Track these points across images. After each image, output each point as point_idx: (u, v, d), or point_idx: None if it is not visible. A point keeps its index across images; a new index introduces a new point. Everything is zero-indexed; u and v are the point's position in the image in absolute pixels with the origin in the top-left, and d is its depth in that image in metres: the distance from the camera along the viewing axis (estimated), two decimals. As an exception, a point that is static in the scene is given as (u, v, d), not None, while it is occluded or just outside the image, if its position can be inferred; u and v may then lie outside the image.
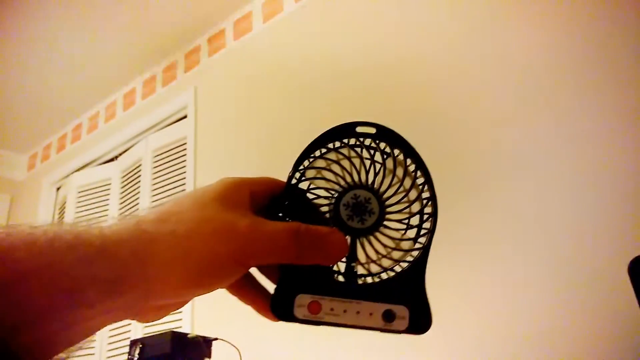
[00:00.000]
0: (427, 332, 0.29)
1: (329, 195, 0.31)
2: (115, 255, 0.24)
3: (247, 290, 0.31)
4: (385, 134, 0.31)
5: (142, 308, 0.26)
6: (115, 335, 2.11)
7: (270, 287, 0.30)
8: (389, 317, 0.29)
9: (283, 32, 2.04)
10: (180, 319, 1.87)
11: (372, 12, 1.79)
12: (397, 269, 0.30)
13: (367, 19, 1.80)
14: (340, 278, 0.30)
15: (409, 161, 0.31)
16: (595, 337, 1.09)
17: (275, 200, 0.31)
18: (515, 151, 1.34)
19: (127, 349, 1.36)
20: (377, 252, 0.30)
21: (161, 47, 2.40)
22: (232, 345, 1.35)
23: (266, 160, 1.86)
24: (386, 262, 0.30)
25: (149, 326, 1.98)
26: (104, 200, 2.48)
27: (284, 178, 0.32)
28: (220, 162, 2.06)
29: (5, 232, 0.22)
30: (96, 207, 2.48)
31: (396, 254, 0.30)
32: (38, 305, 0.21)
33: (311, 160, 0.31)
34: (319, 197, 0.31)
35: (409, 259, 0.30)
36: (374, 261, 0.30)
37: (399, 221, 0.30)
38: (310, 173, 0.31)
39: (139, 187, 2.31)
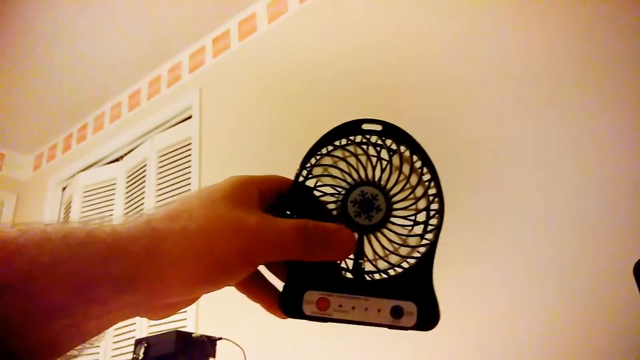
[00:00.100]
0: (431, 330, 0.30)
1: (336, 192, 0.31)
2: (127, 252, 0.24)
3: (255, 287, 0.31)
4: (391, 131, 0.31)
5: (152, 305, 0.26)
6: (120, 335, 2.12)
7: (278, 284, 0.31)
8: (397, 313, 0.29)
9: (288, 32, 2.05)
10: (185, 319, 1.87)
11: (375, 13, 1.79)
12: (405, 265, 0.30)
13: (370, 19, 1.80)
14: (348, 275, 0.30)
15: (415, 158, 0.31)
16: (597, 338, 1.09)
17: (282, 197, 0.31)
18: (516, 151, 1.33)
19: (132, 348, 1.36)
20: (384, 248, 0.30)
21: (166, 47, 2.40)
22: (236, 344, 1.35)
23: (271, 160, 1.86)
24: (393, 259, 0.30)
25: (153, 325, 1.99)
26: (109, 200, 2.49)
27: (289, 176, 0.32)
28: (225, 162, 2.06)
29: (19, 230, 0.22)
30: (101, 207, 2.49)
31: (403, 250, 0.30)
32: (51, 302, 0.22)
33: (318, 157, 0.31)
34: (326, 194, 0.31)
35: (416, 255, 0.30)
36: (381, 257, 0.30)
37: (406, 217, 0.30)
38: (317, 170, 0.31)
39: (144, 187, 2.31)
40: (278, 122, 1.94)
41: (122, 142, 2.58)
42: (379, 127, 0.31)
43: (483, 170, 1.38)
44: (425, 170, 0.31)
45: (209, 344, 1.31)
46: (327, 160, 0.31)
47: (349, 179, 0.31)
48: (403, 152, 0.31)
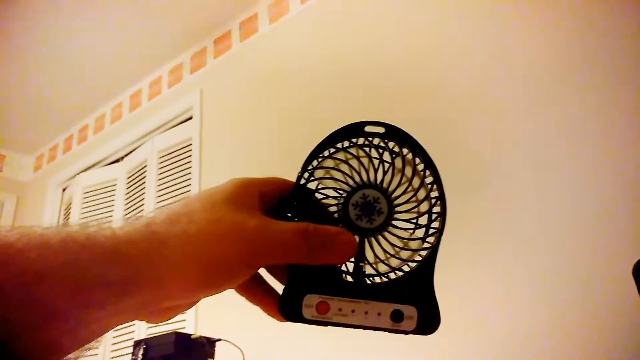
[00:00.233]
0: (431, 334, 0.29)
1: (338, 195, 0.31)
2: (126, 256, 0.24)
3: (255, 290, 0.31)
4: (394, 133, 0.31)
5: (152, 309, 0.26)
6: (119, 336, 2.12)
7: (278, 287, 0.30)
8: (397, 317, 0.28)
9: (289, 33, 2.05)
10: (184, 320, 1.87)
11: (377, 13, 1.79)
12: (406, 268, 0.30)
13: (372, 19, 1.80)
14: (349, 278, 0.30)
15: (417, 160, 0.31)
16: (596, 338, 1.09)
17: (284, 200, 0.31)
18: (516, 151, 1.33)
19: (131, 350, 1.36)
20: (385, 251, 0.30)
21: (167, 48, 2.41)
22: (235, 346, 1.35)
23: (272, 161, 1.86)
24: (394, 262, 0.30)
25: (152, 327, 1.99)
26: (110, 201, 2.49)
27: (290, 179, 0.32)
28: (225, 164, 2.06)
29: (18, 233, 0.22)
30: (102, 208, 2.49)
31: (405, 254, 0.30)
32: (51, 305, 0.21)
33: (320, 160, 0.31)
34: (327, 197, 0.31)
35: (418, 258, 0.30)
36: (382, 261, 0.30)
37: (408, 220, 0.30)
38: (319, 173, 0.31)
39: (144, 188, 2.31)
40: (279, 123, 1.94)
41: (122, 143, 2.58)
42: (381, 130, 0.31)
43: (482, 170, 1.38)
44: (427, 173, 0.30)
45: (208, 345, 1.31)
46: (329, 163, 0.31)
47: (350, 182, 0.30)
48: (406, 155, 0.31)
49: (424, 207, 0.30)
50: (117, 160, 2.65)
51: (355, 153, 0.31)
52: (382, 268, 0.30)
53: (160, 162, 2.30)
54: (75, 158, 2.82)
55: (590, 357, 1.08)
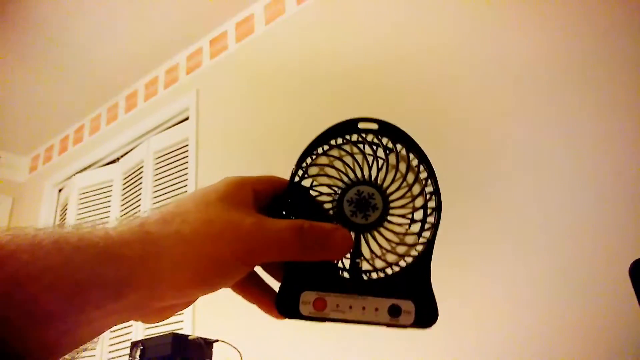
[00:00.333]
0: (429, 330, 0.29)
1: (332, 192, 0.31)
2: (120, 256, 0.24)
3: (251, 288, 0.31)
4: (387, 129, 0.31)
5: (147, 309, 0.26)
6: (116, 337, 2.11)
7: (274, 285, 0.30)
8: (395, 312, 0.28)
9: (285, 34, 2.05)
10: (182, 321, 1.87)
11: (373, 13, 1.79)
12: (402, 263, 0.30)
13: (368, 20, 1.80)
14: (345, 274, 0.30)
15: (411, 156, 0.31)
16: (595, 338, 1.09)
17: (278, 198, 0.31)
18: (516, 151, 1.34)
19: (128, 351, 1.36)
20: (381, 247, 0.30)
21: (163, 49, 2.40)
22: (233, 347, 1.35)
23: (268, 162, 1.86)
24: (391, 257, 0.30)
25: (149, 328, 1.98)
26: (106, 202, 2.49)
27: (285, 177, 0.32)
28: (221, 164, 2.06)
29: (11, 234, 0.22)
30: (98, 209, 2.49)
31: (401, 249, 0.30)
32: (44, 307, 0.21)
33: (314, 157, 0.31)
34: (322, 194, 0.31)
35: (414, 253, 0.30)
36: (378, 256, 0.30)
37: (403, 216, 0.30)
38: (312, 170, 0.31)
39: (140, 188, 2.31)
40: (275, 124, 1.94)
41: (118, 143, 2.57)
42: (375, 126, 0.31)
43: (482, 170, 1.38)
44: (422, 167, 0.30)
45: (205, 346, 1.31)
46: (323, 160, 0.31)
47: (345, 179, 0.30)
48: (399, 151, 0.31)
49: (419, 202, 0.30)
50: (113, 161, 2.64)
51: (349, 150, 0.31)
52: (379, 264, 0.30)
53: (157, 163, 2.29)
54: (71, 159, 2.81)
55: (590, 357, 1.09)
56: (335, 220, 0.30)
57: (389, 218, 0.30)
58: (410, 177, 0.30)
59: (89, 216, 2.48)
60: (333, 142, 0.31)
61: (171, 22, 2.27)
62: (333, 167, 0.31)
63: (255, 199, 0.29)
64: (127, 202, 2.38)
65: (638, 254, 0.83)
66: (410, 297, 0.29)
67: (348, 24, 1.86)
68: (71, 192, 2.61)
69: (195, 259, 0.26)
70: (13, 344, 0.21)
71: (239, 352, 1.35)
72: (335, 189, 0.30)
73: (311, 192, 0.31)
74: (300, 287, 0.29)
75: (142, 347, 1.30)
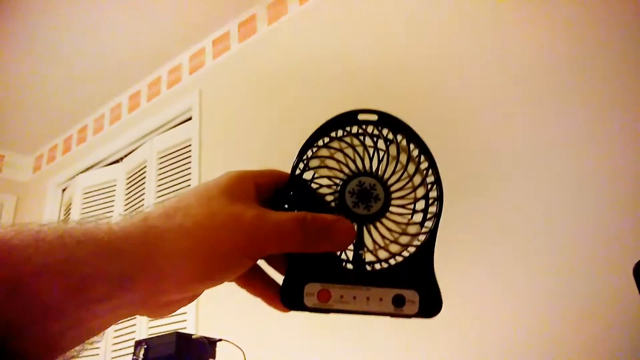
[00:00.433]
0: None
1: (334, 184, 0.31)
2: (123, 251, 0.24)
3: (255, 282, 0.31)
4: (387, 120, 0.31)
5: (151, 303, 0.26)
6: (120, 336, 2.12)
7: (278, 279, 0.30)
8: (399, 301, 0.28)
9: (288, 34, 2.05)
10: (185, 320, 1.87)
11: (375, 14, 1.79)
12: (405, 254, 0.30)
13: (371, 20, 1.80)
14: (349, 265, 0.30)
15: (412, 146, 0.31)
16: (597, 338, 1.09)
17: (279, 191, 0.31)
18: (516, 151, 1.34)
19: (131, 350, 1.36)
20: (384, 237, 0.30)
21: (166, 49, 2.41)
22: (236, 346, 1.35)
23: (271, 162, 1.85)
24: (394, 248, 0.30)
25: (153, 327, 1.99)
26: (109, 202, 2.49)
27: (287, 172, 0.32)
28: (224, 164, 2.06)
29: (15, 230, 0.22)
30: (101, 209, 2.49)
31: (403, 239, 0.30)
32: (48, 302, 0.21)
33: (315, 150, 0.31)
34: (322, 186, 0.31)
35: (417, 243, 0.30)
36: (381, 247, 0.30)
37: (405, 206, 0.30)
38: (314, 162, 0.31)
39: (143, 188, 2.31)
40: (278, 124, 1.94)
41: (122, 143, 2.58)
42: (374, 117, 0.31)
43: (482, 170, 1.38)
44: (422, 158, 0.30)
45: (208, 345, 1.31)
46: (324, 152, 0.31)
47: (346, 170, 0.30)
48: (400, 141, 0.31)
49: (421, 192, 0.30)
50: (116, 161, 2.64)
51: (349, 142, 0.31)
52: (382, 254, 0.30)
53: (160, 163, 2.30)
54: (74, 159, 2.82)
55: (591, 357, 1.08)
56: (337, 212, 0.30)
57: (391, 209, 0.30)
58: (411, 168, 0.30)
59: (93, 216, 2.48)
60: (333, 134, 0.31)
61: (174, 23, 2.27)
62: (334, 159, 0.31)
63: (257, 192, 0.29)
64: (130, 202, 2.39)
65: (639, 254, 0.83)
66: (414, 286, 0.29)
67: (350, 24, 1.86)
68: (75, 191, 2.62)
69: (199, 252, 0.26)
70: (18, 338, 0.21)
71: (242, 351, 1.35)
72: (337, 180, 0.30)
73: (313, 184, 0.31)
74: (304, 279, 0.29)
75: (145, 346, 1.30)
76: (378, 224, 0.30)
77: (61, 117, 2.81)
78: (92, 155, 2.72)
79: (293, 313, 0.31)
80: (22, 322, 0.21)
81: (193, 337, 1.30)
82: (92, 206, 2.53)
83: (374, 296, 0.29)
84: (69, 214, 2.63)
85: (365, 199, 0.30)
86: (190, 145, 2.22)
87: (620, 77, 1.23)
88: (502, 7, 1.48)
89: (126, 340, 2.07)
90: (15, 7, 2.11)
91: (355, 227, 0.29)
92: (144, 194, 2.30)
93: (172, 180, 2.22)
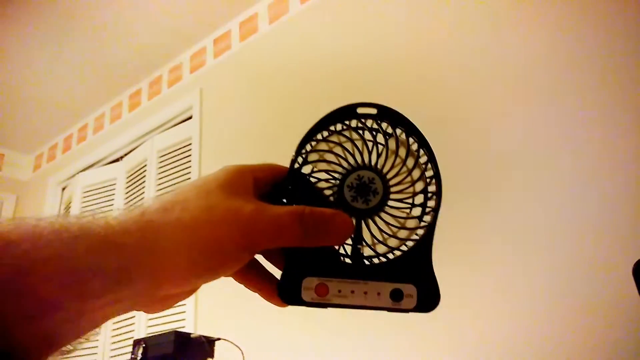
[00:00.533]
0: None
1: (333, 177, 0.30)
2: (120, 245, 0.24)
3: (253, 276, 0.31)
4: (386, 114, 0.31)
5: (149, 298, 0.26)
6: (118, 335, 2.12)
7: (277, 273, 0.30)
8: (397, 296, 0.28)
9: (289, 33, 2.05)
10: (184, 319, 1.87)
11: (376, 13, 1.79)
12: (404, 248, 0.30)
13: (371, 19, 1.80)
14: (347, 260, 0.30)
15: (411, 140, 0.31)
16: (596, 338, 1.09)
17: (278, 185, 0.30)
18: (516, 151, 1.33)
19: (130, 349, 1.36)
20: (382, 232, 0.29)
21: (167, 48, 2.41)
22: (235, 345, 1.35)
23: (271, 161, 1.85)
24: (392, 242, 0.29)
25: (152, 326, 1.98)
26: (109, 200, 2.49)
27: (286, 166, 0.31)
28: (225, 163, 2.03)
29: (12, 224, 0.22)
30: (101, 207, 2.49)
31: (402, 233, 0.30)
32: (45, 296, 0.21)
33: (313, 143, 0.31)
34: (321, 180, 0.31)
35: (415, 237, 0.30)
36: (380, 241, 0.29)
37: (404, 200, 0.30)
38: (312, 156, 0.31)
39: (144, 187, 2.31)
40: (278, 123, 1.94)
41: (122, 142, 2.58)
42: (374, 111, 0.31)
43: (482, 170, 1.38)
44: (422, 152, 0.30)
45: (207, 344, 1.31)
46: (323, 146, 0.31)
47: (345, 164, 0.30)
48: (399, 135, 0.31)
49: (419, 186, 0.30)
50: (116, 160, 2.64)
51: (348, 135, 0.31)
52: (380, 248, 0.30)
53: (160, 162, 2.30)
54: (74, 157, 2.82)
55: (590, 357, 1.08)
56: (336, 206, 0.29)
57: (389, 203, 0.30)
58: (410, 162, 0.30)
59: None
60: (332, 128, 0.31)
61: (175, 22, 2.27)
62: (333, 153, 0.31)
63: (255, 187, 0.29)
64: (130, 201, 2.39)
65: (639, 253, 0.83)
66: (412, 281, 0.29)
67: (351, 23, 1.86)
68: (75, 190, 2.62)
69: (196, 246, 0.26)
70: (14, 333, 0.20)
71: (240, 350, 1.35)
72: (336, 174, 0.30)
73: (311, 178, 0.31)
74: (302, 274, 0.29)
75: (144, 345, 1.30)
76: (376, 218, 0.30)
77: (61, 116, 2.81)
78: (92, 154, 2.72)
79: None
80: (19, 316, 0.21)
81: (192, 336, 1.30)
82: (92, 205, 2.53)
83: (371, 290, 0.28)
84: (68, 213, 2.63)
85: (364, 193, 0.30)
86: (190, 144, 2.21)
87: (621, 77, 1.23)
88: (503, 6, 1.48)
89: (125, 340, 2.07)
90: (15, 6, 2.10)
91: (354, 221, 0.29)
92: (144, 192, 2.30)
93: (172, 179, 2.22)
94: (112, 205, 2.47)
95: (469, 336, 1.25)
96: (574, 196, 1.21)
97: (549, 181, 1.26)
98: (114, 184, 2.51)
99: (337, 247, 0.30)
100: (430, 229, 0.29)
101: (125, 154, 2.58)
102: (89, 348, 2.17)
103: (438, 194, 0.30)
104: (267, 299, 0.30)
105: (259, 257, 0.30)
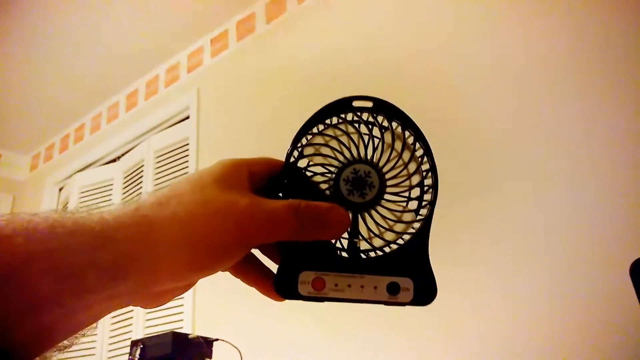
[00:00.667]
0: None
1: (328, 171, 0.30)
2: (115, 240, 0.24)
3: (250, 271, 0.30)
4: (382, 107, 0.31)
5: (145, 293, 0.26)
6: (116, 336, 2.11)
7: (273, 268, 0.30)
8: (393, 289, 0.28)
9: (286, 33, 2.05)
10: (182, 320, 1.87)
11: (374, 13, 1.79)
12: (400, 241, 0.30)
13: (369, 19, 1.80)
14: (343, 254, 0.30)
15: (407, 133, 0.30)
16: (596, 338, 1.09)
17: (274, 179, 0.30)
18: (516, 151, 1.33)
19: (128, 350, 1.36)
20: (379, 225, 0.29)
21: (164, 47, 2.40)
22: (233, 345, 1.34)
23: (268, 161, 1.85)
24: (388, 236, 0.29)
25: (149, 327, 1.98)
26: (107, 201, 2.49)
27: (282, 160, 0.31)
28: (222, 163, 2.05)
29: (6, 219, 0.22)
30: (98, 208, 2.48)
31: (398, 227, 0.30)
32: (40, 292, 0.21)
33: (309, 137, 0.31)
34: (317, 174, 0.30)
35: (411, 231, 0.30)
36: (376, 235, 0.29)
37: (400, 194, 0.30)
38: (308, 150, 0.31)
39: (141, 187, 2.31)
40: (276, 123, 1.94)
41: (119, 142, 2.57)
42: (370, 104, 0.31)
43: (482, 170, 1.38)
44: (417, 145, 0.30)
45: (205, 345, 1.30)
46: (319, 140, 0.31)
47: (341, 158, 0.30)
48: (395, 129, 0.30)
49: (416, 179, 0.30)
50: (113, 160, 2.64)
51: (344, 129, 0.31)
52: (376, 242, 0.29)
53: (157, 162, 2.29)
54: (71, 157, 2.81)
55: (590, 356, 1.08)
56: (332, 200, 0.29)
57: (386, 196, 0.30)
58: (406, 155, 0.30)
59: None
60: (328, 121, 0.31)
61: (172, 21, 2.27)
62: (329, 146, 0.31)
63: (251, 181, 0.29)
64: (127, 201, 2.38)
65: (638, 253, 0.83)
66: (408, 274, 0.29)
67: (349, 23, 1.86)
68: (72, 190, 2.61)
69: (192, 240, 0.26)
70: (9, 329, 0.20)
71: (239, 351, 1.34)
72: (332, 168, 0.30)
73: (307, 172, 0.31)
74: (299, 268, 0.29)
75: (142, 346, 1.30)
76: (373, 212, 0.30)
77: (58, 116, 2.81)
78: (89, 154, 2.71)
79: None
80: (14, 312, 0.20)
81: (189, 336, 1.30)
82: (89, 205, 2.52)
83: (368, 284, 0.28)
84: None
85: (360, 186, 0.29)
86: (187, 144, 2.21)
87: (621, 77, 1.23)
88: (503, 6, 1.48)
89: (122, 340, 2.06)
90: (13, 6, 2.10)
91: (350, 215, 0.29)
92: (141, 193, 2.29)
93: (170, 180, 2.21)
94: (109, 206, 2.47)
95: (467, 335, 1.25)
96: (573, 196, 1.21)
97: (548, 181, 1.26)
98: (111, 185, 2.51)
99: (333, 241, 0.30)
100: (427, 222, 0.29)
101: (122, 155, 2.58)
102: (86, 349, 2.17)
103: (434, 187, 0.30)
104: (264, 294, 0.30)
105: (256, 252, 0.30)
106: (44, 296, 0.21)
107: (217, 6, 2.20)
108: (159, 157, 2.30)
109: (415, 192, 0.30)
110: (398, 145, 0.30)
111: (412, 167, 0.30)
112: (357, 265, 0.29)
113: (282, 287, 0.29)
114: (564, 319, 1.14)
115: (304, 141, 0.31)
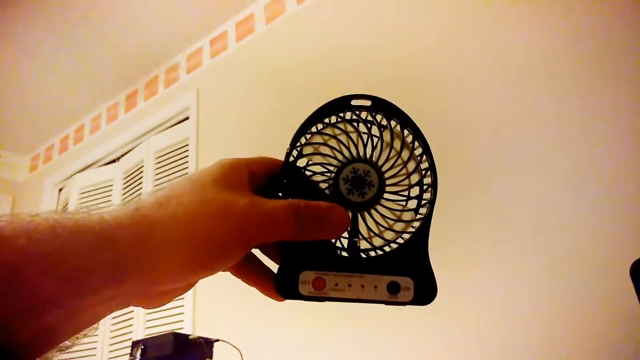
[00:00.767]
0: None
1: (328, 170, 0.30)
2: (116, 240, 0.24)
3: (250, 271, 0.30)
4: (381, 106, 0.31)
5: (146, 294, 0.26)
6: (117, 337, 2.11)
7: (274, 268, 0.30)
8: (393, 289, 0.28)
9: (285, 33, 2.05)
10: (182, 320, 1.87)
11: (373, 13, 1.79)
12: (400, 241, 0.29)
13: (369, 19, 1.80)
14: (344, 253, 0.30)
15: (406, 132, 0.30)
16: (596, 338, 1.09)
17: (273, 179, 0.30)
18: (515, 151, 1.33)
19: (128, 350, 1.36)
20: (378, 224, 0.29)
21: (163, 48, 2.40)
22: (233, 346, 1.34)
23: (268, 161, 1.85)
24: (388, 235, 0.29)
25: (150, 327, 1.98)
26: (106, 202, 2.49)
27: (281, 159, 0.31)
28: (222, 164, 2.05)
29: (6, 220, 0.22)
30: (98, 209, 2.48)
31: (398, 226, 0.30)
32: (41, 292, 0.21)
33: (308, 136, 0.31)
34: (317, 173, 0.30)
35: (411, 230, 0.30)
36: (376, 234, 0.29)
37: (399, 193, 0.30)
38: (307, 149, 0.31)
39: (141, 188, 2.31)
40: (275, 124, 1.94)
41: (118, 143, 2.57)
42: (368, 103, 0.31)
43: (481, 170, 1.38)
44: (416, 144, 0.30)
45: (206, 345, 1.30)
46: (318, 139, 0.31)
47: (340, 157, 0.30)
48: (394, 127, 0.30)
49: (415, 178, 0.30)
50: (113, 161, 2.64)
51: (343, 128, 0.31)
52: (376, 241, 0.29)
53: (157, 163, 2.29)
54: (71, 158, 2.81)
55: (590, 357, 1.08)
56: (331, 199, 0.29)
57: (385, 195, 0.30)
58: (405, 154, 0.30)
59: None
60: (327, 120, 0.31)
61: (171, 22, 2.27)
62: (328, 145, 0.30)
63: (250, 180, 0.29)
64: (127, 202, 2.38)
65: (638, 254, 0.83)
66: (409, 273, 0.29)
67: (348, 23, 1.86)
68: (71, 191, 2.61)
69: (192, 240, 0.26)
70: (10, 330, 0.20)
71: (239, 351, 1.34)
72: (331, 167, 0.30)
73: (306, 171, 0.31)
74: (299, 267, 0.29)
75: (142, 347, 1.30)
76: (372, 211, 0.30)
77: (58, 117, 2.81)
78: (88, 155, 2.71)
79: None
80: (14, 313, 0.20)
81: (190, 337, 1.30)
82: (89, 206, 2.51)
83: (368, 283, 0.28)
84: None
85: (360, 185, 0.29)
86: (187, 145, 2.21)
87: (621, 76, 1.23)
88: (503, 6, 1.48)
89: (123, 341, 2.06)
90: (13, 7, 2.10)
91: (350, 214, 0.29)
92: (141, 194, 2.29)
93: (170, 180, 2.20)
94: (109, 206, 2.46)
95: (467, 335, 1.25)
96: (573, 196, 1.21)
97: (548, 181, 1.26)
98: (111, 185, 2.50)
99: (333, 241, 0.30)
100: (427, 221, 0.29)
101: (122, 155, 2.58)
102: (87, 349, 2.17)
103: (434, 185, 0.30)
104: (264, 294, 0.30)
105: (256, 252, 0.30)
106: (45, 297, 0.21)
107: (216, 7, 2.20)
108: (158, 157, 2.30)
109: (415, 190, 0.30)
110: (397, 143, 0.30)
111: (412, 165, 0.30)
112: (357, 264, 0.29)
113: (283, 287, 0.29)
114: (564, 319, 1.14)
115: (303, 140, 0.31)
